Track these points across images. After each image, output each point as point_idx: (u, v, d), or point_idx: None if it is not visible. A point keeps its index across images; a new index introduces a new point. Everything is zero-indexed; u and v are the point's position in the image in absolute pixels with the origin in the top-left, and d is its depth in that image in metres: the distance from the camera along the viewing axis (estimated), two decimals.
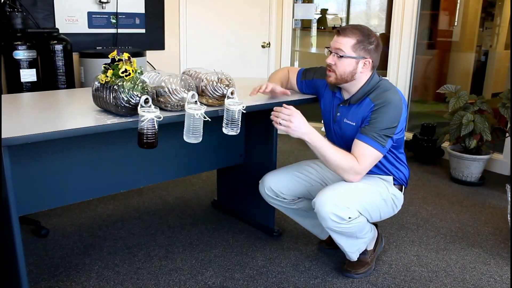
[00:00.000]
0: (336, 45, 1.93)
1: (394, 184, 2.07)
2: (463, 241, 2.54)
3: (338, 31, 1.94)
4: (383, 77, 2.03)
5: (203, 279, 2.11)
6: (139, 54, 3.37)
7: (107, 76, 1.66)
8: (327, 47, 2.00)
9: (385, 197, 2.02)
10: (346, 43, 1.91)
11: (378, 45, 1.95)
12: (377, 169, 2.05)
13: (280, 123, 1.85)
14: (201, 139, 1.75)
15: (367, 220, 2.01)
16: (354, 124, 1.98)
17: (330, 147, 1.89)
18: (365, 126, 1.91)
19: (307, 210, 2.20)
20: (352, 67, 1.92)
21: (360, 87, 1.98)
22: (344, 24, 5.29)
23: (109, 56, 1.69)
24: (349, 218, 1.88)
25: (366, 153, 1.88)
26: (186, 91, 1.76)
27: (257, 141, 2.52)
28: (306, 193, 2.17)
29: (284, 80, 2.31)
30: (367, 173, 2.07)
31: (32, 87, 2.87)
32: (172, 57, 4.09)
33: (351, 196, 1.92)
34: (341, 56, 1.92)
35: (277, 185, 2.15)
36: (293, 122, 1.84)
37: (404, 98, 1.95)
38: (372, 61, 1.94)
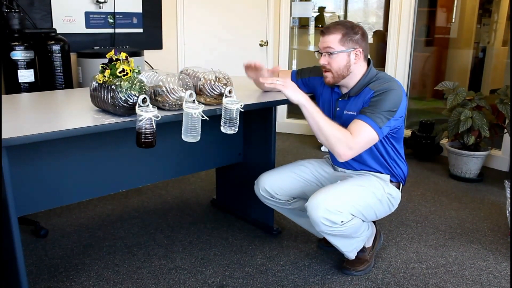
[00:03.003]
0: (324, 44, 1.96)
1: (391, 181, 2.07)
2: (462, 237, 2.54)
3: (322, 31, 1.97)
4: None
5: (202, 278, 2.11)
6: (136, 53, 3.37)
7: (105, 76, 1.66)
8: (316, 51, 2.02)
9: (380, 197, 2.00)
10: (333, 40, 1.93)
11: (364, 34, 1.97)
12: (376, 164, 2.05)
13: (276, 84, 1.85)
14: (199, 138, 1.75)
15: (363, 220, 2.01)
16: (355, 113, 1.96)
17: (325, 117, 1.86)
18: (364, 108, 1.91)
19: (303, 210, 2.17)
20: (345, 60, 1.94)
21: (358, 80, 1.98)
22: None
23: (106, 56, 1.69)
24: (342, 222, 1.88)
25: (362, 130, 1.85)
26: (184, 90, 1.77)
27: (255, 139, 2.52)
28: (301, 193, 2.17)
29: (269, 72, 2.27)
30: (363, 171, 2.07)
31: (30, 87, 2.86)
32: (170, 56, 4.08)
33: (344, 199, 1.91)
34: (332, 53, 1.93)
35: (272, 186, 2.15)
36: (287, 83, 1.86)
37: (403, 88, 1.96)
38: (363, 50, 1.96)
